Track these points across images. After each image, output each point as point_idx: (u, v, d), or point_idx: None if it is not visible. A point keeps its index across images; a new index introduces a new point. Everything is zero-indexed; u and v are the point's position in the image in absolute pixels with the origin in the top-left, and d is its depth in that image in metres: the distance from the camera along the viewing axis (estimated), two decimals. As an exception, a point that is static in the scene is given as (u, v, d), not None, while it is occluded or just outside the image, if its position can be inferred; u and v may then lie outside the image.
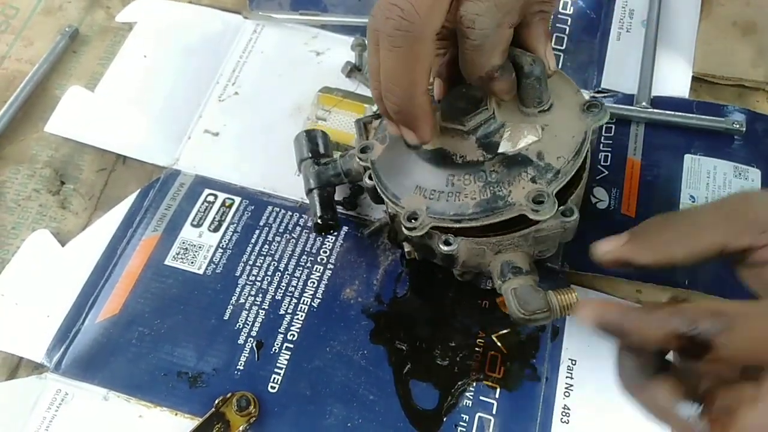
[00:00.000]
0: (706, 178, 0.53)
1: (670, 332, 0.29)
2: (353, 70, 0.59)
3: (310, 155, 0.51)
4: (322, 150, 0.52)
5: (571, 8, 0.64)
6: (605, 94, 0.59)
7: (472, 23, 0.33)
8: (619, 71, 0.60)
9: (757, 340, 0.28)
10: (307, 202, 0.53)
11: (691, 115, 0.56)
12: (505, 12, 0.34)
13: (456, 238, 0.41)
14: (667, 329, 0.29)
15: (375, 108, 0.58)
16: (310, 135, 0.52)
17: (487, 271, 0.43)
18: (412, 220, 0.41)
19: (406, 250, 0.48)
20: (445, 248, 0.41)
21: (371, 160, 0.45)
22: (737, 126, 0.54)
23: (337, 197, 0.52)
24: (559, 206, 0.39)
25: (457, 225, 0.41)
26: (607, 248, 0.35)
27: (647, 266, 0.34)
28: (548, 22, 0.39)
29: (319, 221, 0.48)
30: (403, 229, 0.41)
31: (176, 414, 0.45)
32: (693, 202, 0.52)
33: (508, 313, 0.40)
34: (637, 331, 0.30)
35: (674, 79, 0.60)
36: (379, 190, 0.44)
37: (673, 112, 0.56)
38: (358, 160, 0.45)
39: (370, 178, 0.45)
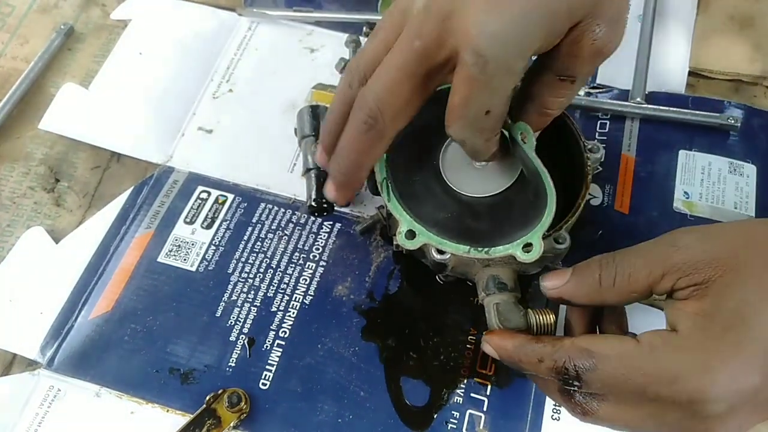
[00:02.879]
0: (701, 174, 0.53)
1: (550, 367, 0.35)
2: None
3: (313, 133, 0.50)
4: None
5: (567, 3, 0.64)
6: (600, 90, 0.59)
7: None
8: (615, 66, 0.59)
9: (616, 380, 0.33)
10: (300, 199, 0.54)
11: (686, 110, 0.55)
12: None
13: None
14: (546, 366, 0.35)
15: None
16: (315, 111, 0.50)
17: (473, 280, 0.44)
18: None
19: (395, 243, 0.48)
20: (437, 256, 0.42)
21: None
22: (733, 122, 0.54)
23: (330, 194, 0.52)
24: (552, 232, 0.41)
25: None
26: (551, 284, 0.38)
27: (584, 306, 0.38)
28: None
29: (313, 203, 0.47)
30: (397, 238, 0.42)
31: (168, 410, 0.45)
32: (687, 198, 0.52)
33: (487, 325, 0.41)
34: (528, 366, 0.37)
35: (670, 74, 0.59)
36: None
37: (667, 108, 0.56)
38: None
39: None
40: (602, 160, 0.46)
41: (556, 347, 0.35)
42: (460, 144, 0.38)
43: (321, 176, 0.48)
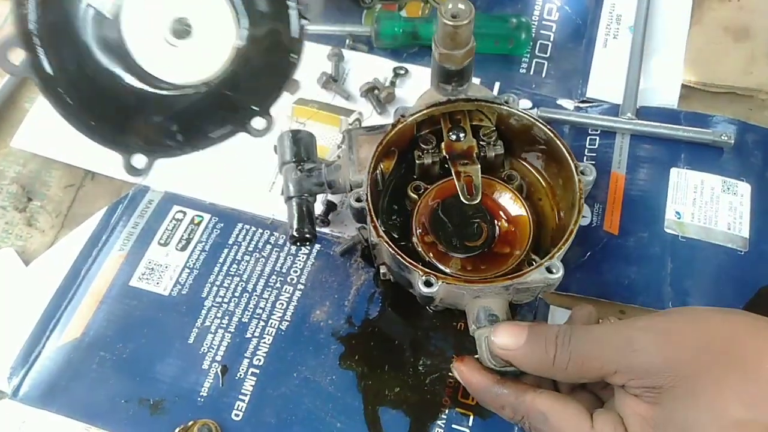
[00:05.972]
0: (693, 193, 0.51)
1: (510, 417, 0.38)
2: (329, 81, 0.58)
3: (294, 159, 0.47)
4: (306, 155, 0.48)
5: (557, 14, 0.62)
6: (590, 104, 0.57)
7: None
8: (606, 80, 0.58)
9: None
10: (279, 219, 0.52)
11: (677, 126, 0.53)
12: None
13: (438, 281, 0.40)
14: (507, 414, 0.38)
15: (351, 120, 0.56)
16: (296, 136, 0.48)
17: (462, 310, 0.42)
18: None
19: (381, 271, 0.46)
20: (425, 290, 0.40)
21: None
22: (726, 138, 0.52)
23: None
24: (544, 261, 0.40)
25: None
26: (503, 343, 0.38)
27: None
28: None
29: (295, 233, 0.45)
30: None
31: (136, 443, 0.44)
32: (679, 218, 0.50)
33: (477, 357, 0.40)
34: (491, 407, 0.40)
35: (663, 87, 0.57)
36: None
37: (659, 124, 0.54)
38: (353, 195, 0.44)
39: (358, 200, 0.43)
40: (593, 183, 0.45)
41: (519, 400, 0.37)
42: None
43: (302, 204, 0.46)
